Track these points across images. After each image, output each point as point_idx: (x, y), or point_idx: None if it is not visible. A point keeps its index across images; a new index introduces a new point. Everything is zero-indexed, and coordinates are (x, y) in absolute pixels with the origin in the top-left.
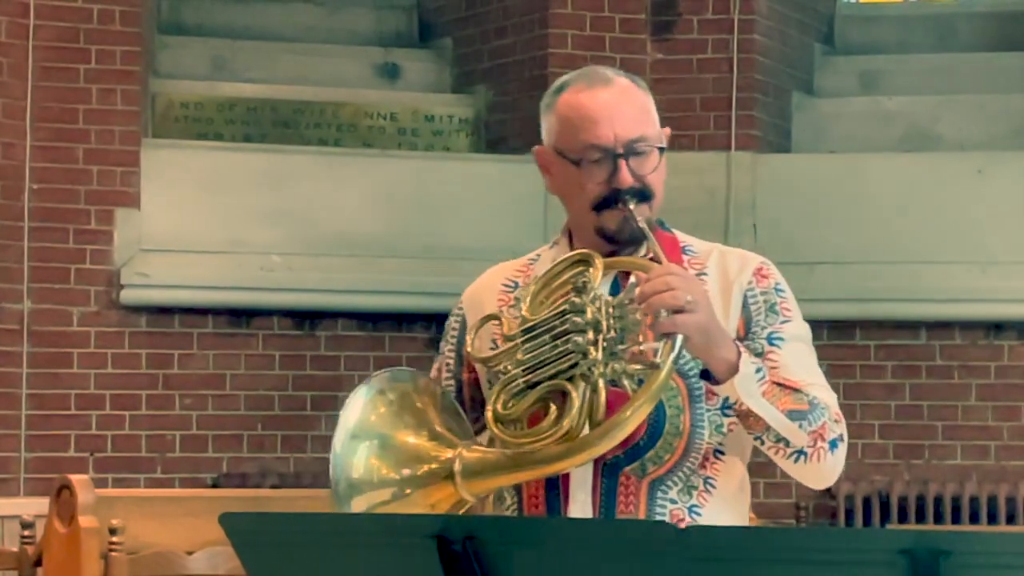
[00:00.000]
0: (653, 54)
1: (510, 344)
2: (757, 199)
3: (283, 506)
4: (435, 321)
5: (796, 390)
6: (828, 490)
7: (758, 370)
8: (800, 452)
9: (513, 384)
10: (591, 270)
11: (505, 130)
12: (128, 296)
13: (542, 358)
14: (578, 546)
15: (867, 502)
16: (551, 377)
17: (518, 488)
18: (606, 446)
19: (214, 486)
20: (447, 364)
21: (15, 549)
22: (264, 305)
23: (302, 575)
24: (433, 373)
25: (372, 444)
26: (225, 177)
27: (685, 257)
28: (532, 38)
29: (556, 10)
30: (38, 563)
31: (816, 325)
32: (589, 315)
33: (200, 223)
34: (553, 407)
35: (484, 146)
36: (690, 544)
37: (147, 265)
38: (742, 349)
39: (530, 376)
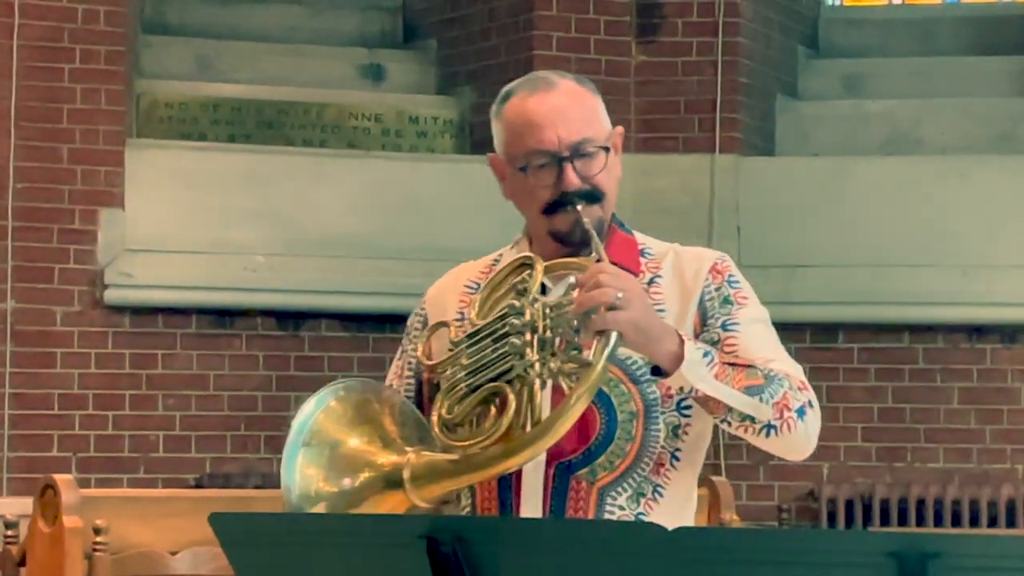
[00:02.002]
0: (638, 56)
1: (456, 350)
2: (740, 202)
3: (267, 506)
4: None
5: (749, 366)
6: (811, 492)
7: (705, 354)
8: (768, 426)
9: (456, 389)
10: (533, 272)
11: (489, 132)
12: (112, 296)
13: (483, 361)
14: (567, 547)
15: (849, 505)
16: (492, 380)
17: (472, 491)
18: (544, 444)
19: (197, 486)
20: (409, 363)
21: None
22: (248, 305)
23: (291, 575)
24: (393, 370)
25: (323, 453)
26: (209, 177)
27: (642, 260)
28: (517, 40)
29: (541, 12)
30: (21, 563)
31: (799, 328)
32: (527, 317)
33: (184, 223)
34: (494, 409)
35: (469, 147)
36: (679, 545)
37: (131, 265)
38: (685, 337)
39: (471, 380)
